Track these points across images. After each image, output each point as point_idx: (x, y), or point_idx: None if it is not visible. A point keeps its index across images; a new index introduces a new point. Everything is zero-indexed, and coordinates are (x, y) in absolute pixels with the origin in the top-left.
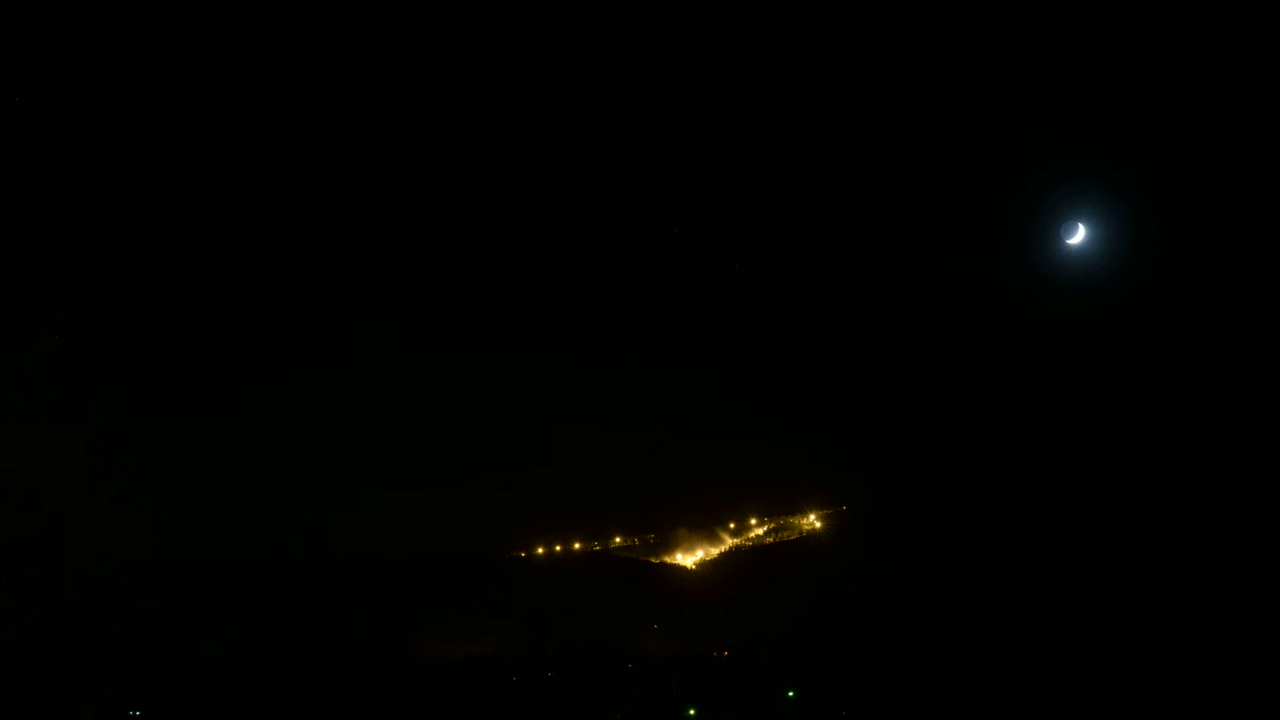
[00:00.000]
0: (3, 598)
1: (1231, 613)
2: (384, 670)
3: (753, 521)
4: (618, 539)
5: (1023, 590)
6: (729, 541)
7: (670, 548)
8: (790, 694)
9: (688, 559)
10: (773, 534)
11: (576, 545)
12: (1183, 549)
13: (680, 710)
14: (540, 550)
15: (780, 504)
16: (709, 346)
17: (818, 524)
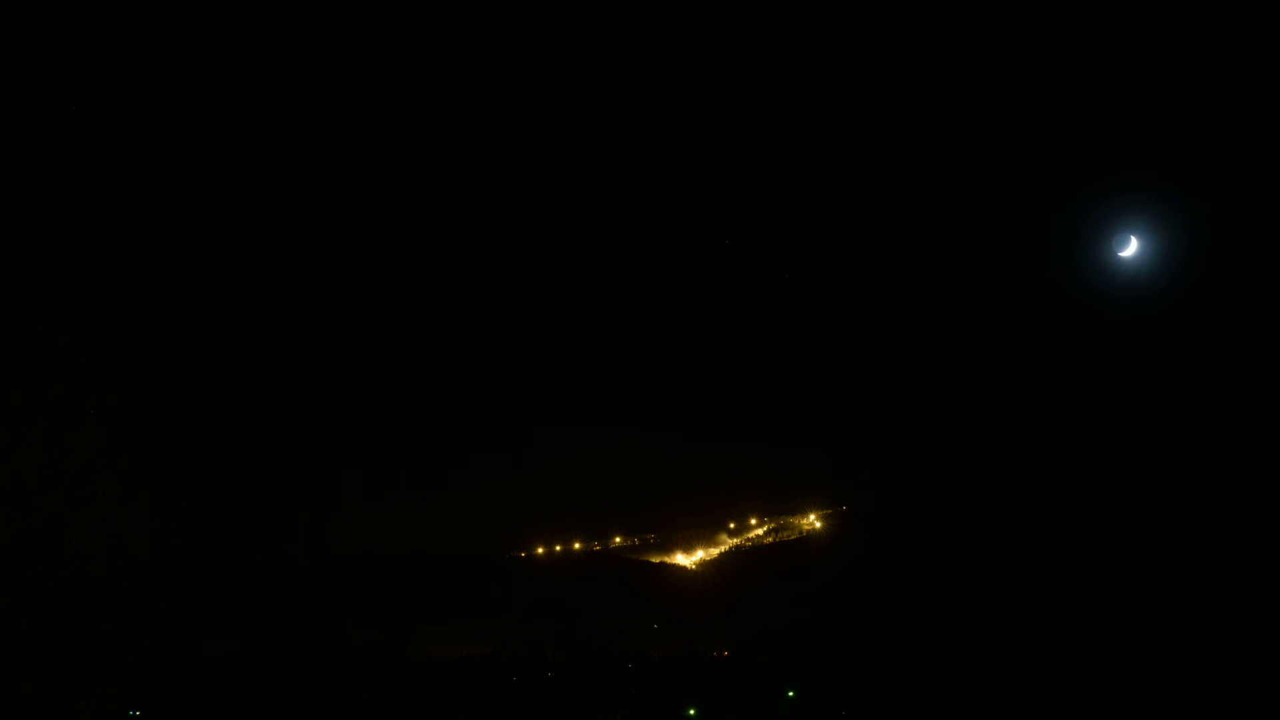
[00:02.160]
0: (3, 598)
1: (1235, 613)
2: (384, 670)
3: (753, 521)
4: (618, 539)
5: (1024, 590)
6: (729, 541)
7: (670, 548)
8: (790, 694)
9: (688, 559)
10: (773, 534)
11: (576, 545)
12: (1189, 551)
13: (680, 710)
14: (540, 550)
15: (780, 504)
16: (711, 347)
17: (818, 524)
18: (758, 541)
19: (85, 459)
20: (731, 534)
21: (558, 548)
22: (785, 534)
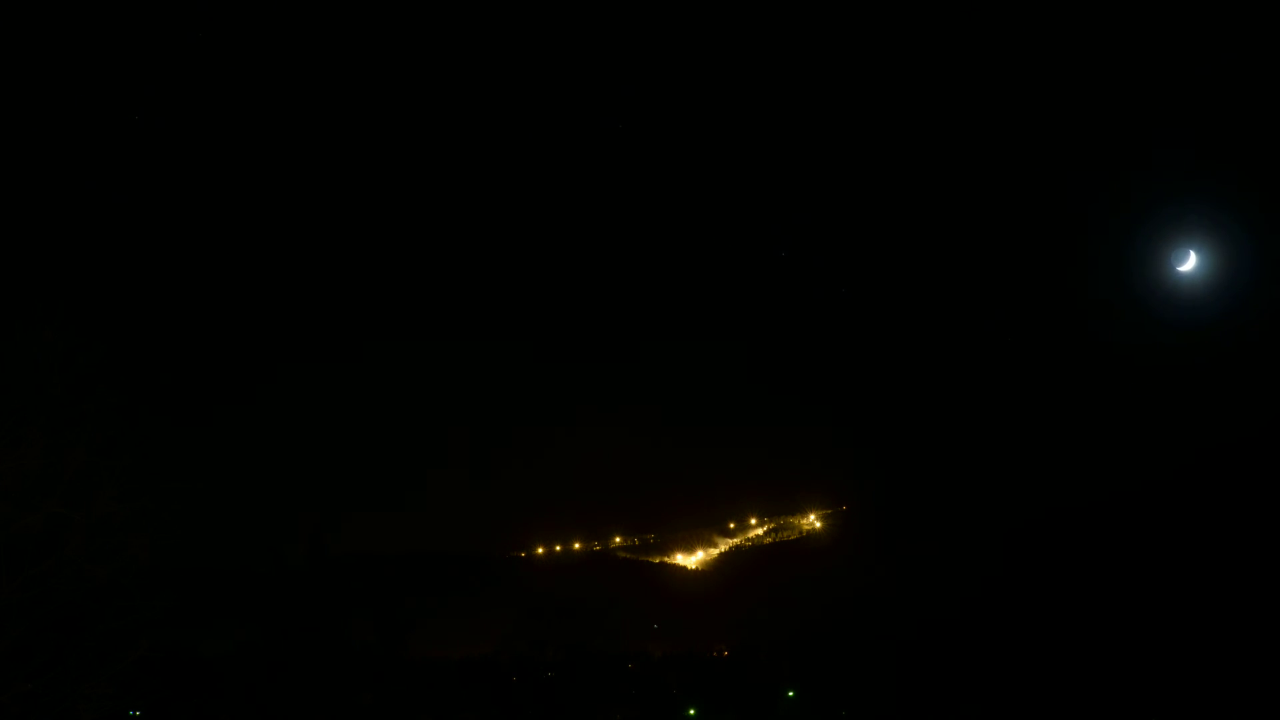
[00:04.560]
0: (3, 598)
1: (1244, 613)
2: (384, 670)
3: (753, 521)
4: (618, 539)
5: (1027, 592)
6: (729, 541)
7: (670, 548)
8: (790, 694)
9: (688, 559)
10: (773, 534)
11: (576, 545)
12: (1196, 552)
13: (680, 710)
14: (540, 550)
15: (780, 504)
16: (712, 347)
17: (818, 524)
18: (758, 541)
19: (85, 459)
20: (731, 534)
21: (558, 548)
22: (785, 534)
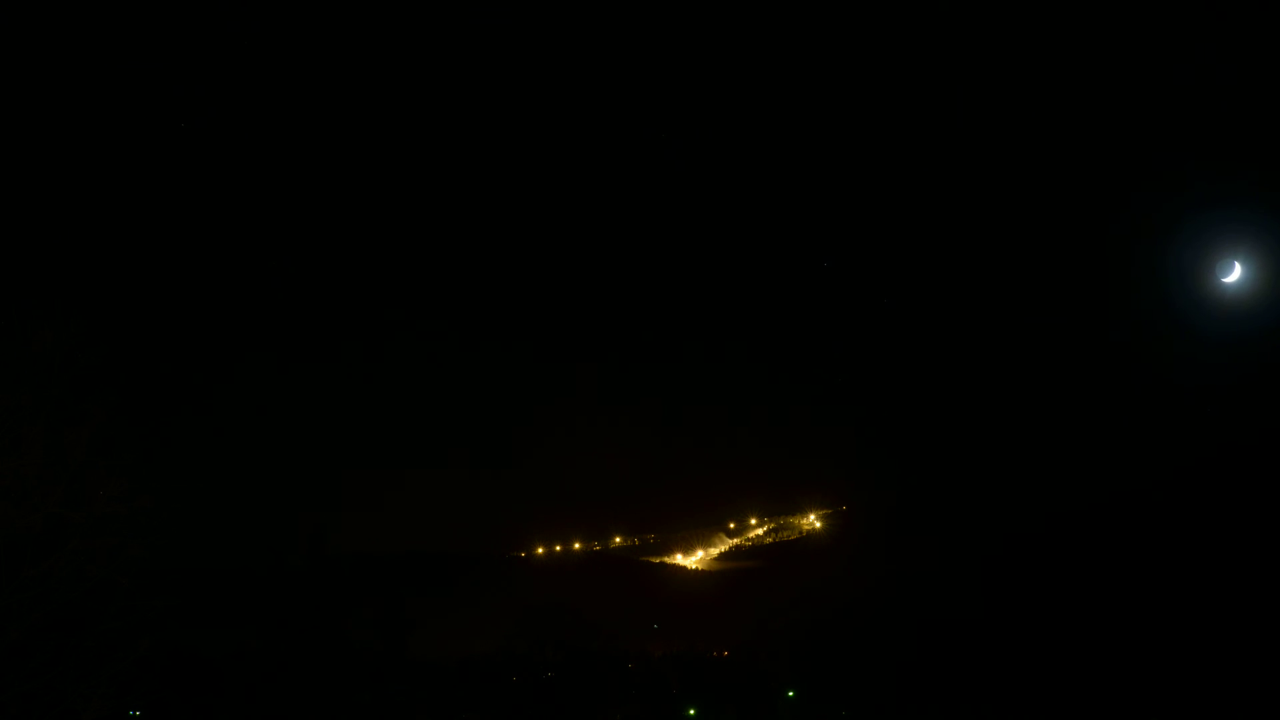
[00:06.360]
0: (3, 598)
1: (1244, 614)
2: (384, 670)
3: (753, 521)
4: (618, 539)
5: (1025, 591)
6: (729, 541)
7: (670, 548)
8: (790, 694)
9: (688, 559)
10: (773, 534)
11: (576, 545)
12: (1197, 555)
13: (680, 710)
14: (540, 550)
15: (780, 504)
16: (714, 347)
17: (818, 524)
18: (758, 541)
19: (85, 459)
20: (731, 534)
21: (558, 548)
22: (785, 534)
